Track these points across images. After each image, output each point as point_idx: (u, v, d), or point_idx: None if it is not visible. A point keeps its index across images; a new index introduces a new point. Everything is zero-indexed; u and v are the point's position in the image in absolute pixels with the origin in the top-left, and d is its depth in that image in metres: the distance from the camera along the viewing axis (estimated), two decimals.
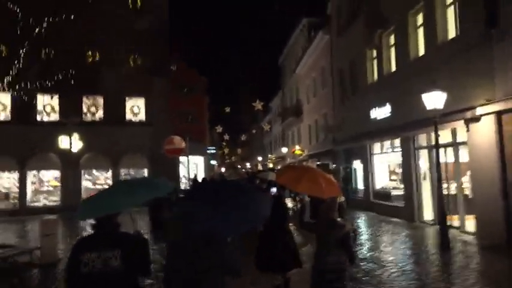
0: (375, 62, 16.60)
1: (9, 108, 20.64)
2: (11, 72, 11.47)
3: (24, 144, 19.76)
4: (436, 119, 9.06)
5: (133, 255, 3.08)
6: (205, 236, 3.21)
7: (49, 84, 13.23)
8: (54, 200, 20.67)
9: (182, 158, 22.04)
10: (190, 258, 3.17)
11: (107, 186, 20.15)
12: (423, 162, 12.91)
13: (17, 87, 12.68)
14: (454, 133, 10.95)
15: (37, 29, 11.65)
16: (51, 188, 21.09)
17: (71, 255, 3.09)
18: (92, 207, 3.34)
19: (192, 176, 20.79)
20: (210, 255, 3.19)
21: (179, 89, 33.68)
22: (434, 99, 9.10)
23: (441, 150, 10.06)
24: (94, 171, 22.17)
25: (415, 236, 11.01)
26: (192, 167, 27.35)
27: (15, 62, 11.53)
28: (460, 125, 10.18)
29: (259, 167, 44.91)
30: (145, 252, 3.31)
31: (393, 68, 14.97)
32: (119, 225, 3.22)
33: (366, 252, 9.12)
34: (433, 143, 11.65)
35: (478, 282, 6.72)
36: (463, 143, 10.56)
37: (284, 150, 35.07)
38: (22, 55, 11.62)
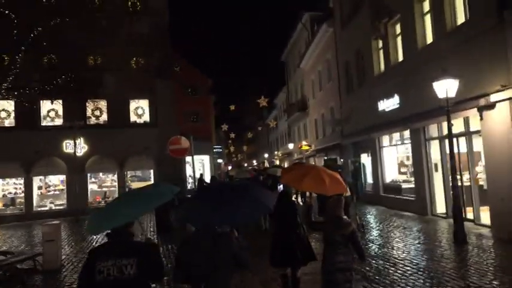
0: (381, 52, 16.17)
1: (13, 114, 20.59)
2: (8, 78, 11.24)
3: (29, 149, 19.68)
4: (449, 108, 8.65)
5: (148, 263, 3.23)
6: (216, 230, 3.48)
7: (48, 88, 12.97)
8: (61, 203, 20.57)
9: (188, 158, 21.87)
10: (209, 253, 3.38)
11: (113, 189, 20.02)
12: (434, 153, 12.48)
13: (16, 93, 12.45)
14: (466, 122, 10.52)
15: (33, 34, 11.37)
16: (57, 192, 21.00)
17: (86, 262, 3.24)
18: (101, 221, 3.50)
19: (197, 176, 20.55)
20: (221, 250, 3.42)
21: (183, 89, 33.51)
22: (446, 87, 8.69)
23: (453, 140, 9.66)
24: (100, 174, 22.04)
25: (428, 230, 10.62)
26: (198, 167, 27.15)
27: (12, 68, 11.31)
28: (473, 113, 9.76)
29: (266, 164, 44.60)
30: (159, 258, 3.48)
31: (400, 58, 14.55)
32: (133, 235, 3.39)
33: (377, 249, 8.76)
34: (445, 133, 11.34)
35: (496, 279, 6.35)
36: (476, 132, 10.14)
37: (290, 146, 34.69)
38: (19, 60, 11.37)
